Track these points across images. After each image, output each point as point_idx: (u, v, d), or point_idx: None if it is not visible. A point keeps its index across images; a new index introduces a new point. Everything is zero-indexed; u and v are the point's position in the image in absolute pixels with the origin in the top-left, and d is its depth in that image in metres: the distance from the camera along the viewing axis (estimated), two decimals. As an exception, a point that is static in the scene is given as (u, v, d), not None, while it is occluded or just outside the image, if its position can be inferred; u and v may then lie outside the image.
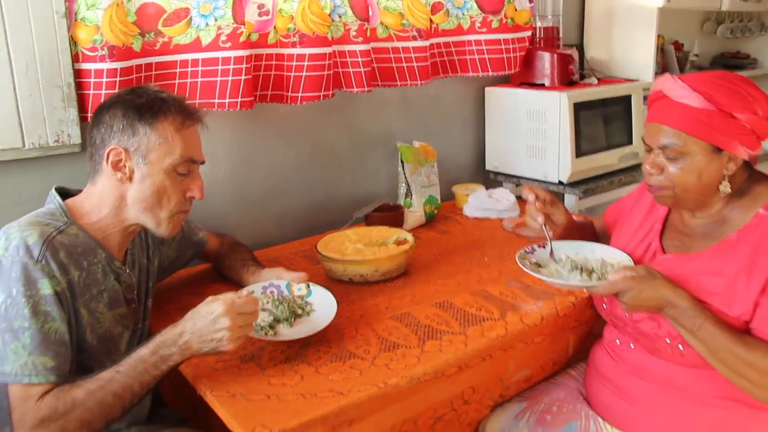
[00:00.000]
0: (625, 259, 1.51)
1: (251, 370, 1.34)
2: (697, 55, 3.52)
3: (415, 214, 2.22)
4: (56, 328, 1.23)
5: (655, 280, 1.32)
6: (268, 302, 1.50)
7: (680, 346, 1.34)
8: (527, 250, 1.59)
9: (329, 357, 1.38)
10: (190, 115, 1.41)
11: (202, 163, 1.45)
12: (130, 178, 1.36)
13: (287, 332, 1.44)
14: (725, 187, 1.35)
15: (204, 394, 1.29)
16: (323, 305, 1.51)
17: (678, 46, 3.43)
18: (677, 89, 1.34)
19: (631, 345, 1.47)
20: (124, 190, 1.37)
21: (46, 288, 1.23)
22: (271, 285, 1.56)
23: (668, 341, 1.36)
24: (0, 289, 1.22)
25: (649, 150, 1.40)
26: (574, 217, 1.70)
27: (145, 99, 1.37)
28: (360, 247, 1.80)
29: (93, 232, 1.37)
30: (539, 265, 1.55)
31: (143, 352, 1.24)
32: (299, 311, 1.50)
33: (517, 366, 1.57)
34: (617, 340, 1.51)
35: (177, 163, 1.37)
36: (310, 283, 1.57)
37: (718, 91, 1.30)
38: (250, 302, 1.30)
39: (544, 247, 1.59)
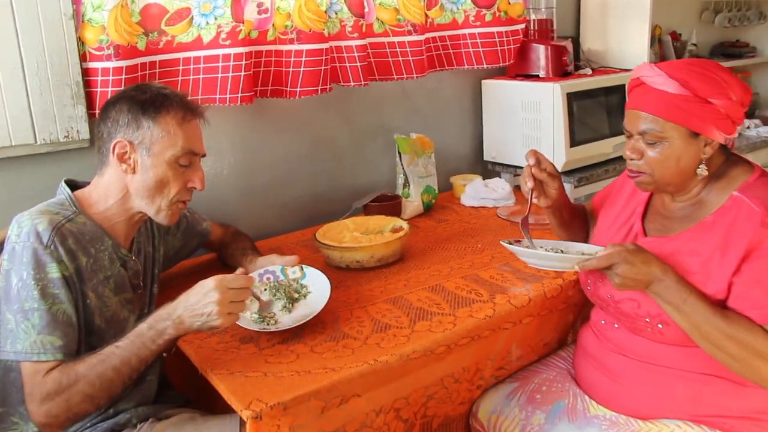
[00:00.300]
0: (599, 250, 1.53)
1: (250, 350, 1.42)
2: (695, 45, 3.54)
3: (413, 203, 2.30)
4: (64, 310, 1.31)
5: (644, 254, 1.35)
6: (265, 289, 1.57)
7: (659, 324, 1.40)
8: (507, 242, 1.61)
9: (324, 338, 1.45)
10: (191, 110, 1.48)
11: (203, 155, 1.52)
12: (134, 170, 1.43)
13: (287, 319, 1.51)
14: (702, 170, 1.40)
15: (205, 372, 1.36)
16: (318, 286, 1.58)
17: (675, 36, 3.46)
18: (654, 76, 1.38)
19: (615, 325, 1.52)
20: (128, 181, 1.44)
21: (54, 272, 1.31)
22: (267, 272, 1.63)
23: (648, 320, 1.41)
24: (13, 272, 1.31)
25: (630, 136, 1.45)
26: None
27: (149, 95, 1.44)
28: (357, 235, 1.88)
29: (100, 222, 1.45)
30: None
31: (141, 327, 1.32)
32: (296, 295, 1.57)
33: (507, 346, 1.63)
34: (602, 321, 1.57)
35: (179, 155, 1.44)
36: (303, 266, 1.64)
37: (693, 78, 1.35)
38: (240, 278, 1.36)
39: (518, 243, 1.62)
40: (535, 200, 1.62)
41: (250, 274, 1.62)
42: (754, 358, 1.28)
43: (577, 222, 1.76)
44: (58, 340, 1.29)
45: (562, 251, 1.56)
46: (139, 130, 1.42)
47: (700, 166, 1.40)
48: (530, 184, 1.60)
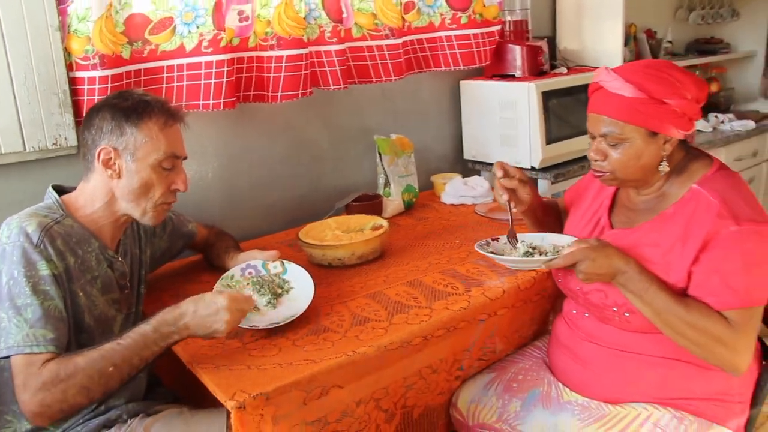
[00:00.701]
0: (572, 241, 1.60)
1: (234, 345, 1.48)
2: (671, 42, 3.62)
3: (394, 202, 2.36)
4: (55, 305, 1.36)
5: (606, 249, 1.42)
6: (247, 284, 1.63)
7: (626, 313, 1.46)
8: (482, 243, 1.67)
9: (305, 332, 1.51)
10: (172, 115, 1.53)
11: (185, 158, 1.58)
12: (120, 175, 1.48)
13: (274, 314, 1.56)
14: (664, 167, 1.47)
15: (192, 367, 1.42)
16: (300, 281, 1.64)
17: (651, 33, 3.54)
18: (612, 81, 1.44)
19: (585, 314, 1.59)
20: (114, 186, 1.50)
21: (44, 269, 1.36)
22: (248, 266, 1.68)
23: (615, 309, 1.48)
24: (3, 272, 1.36)
25: (593, 138, 1.51)
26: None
27: (131, 102, 1.49)
28: (338, 234, 1.94)
29: (87, 224, 1.50)
30: (495, 254, 1.64)
31: (145, 328, 1.36)
32: (279, 290, 1.63)
33: (484, 337, 1.70)
34: (574, 311, 1.63)
35: (162, 159, 1.49)
36: (284, 261, 1.70)
37: (648, 80, 1.41)
38: (249, 300, 1.46)
39: (497, 240, 1.69)
40: (514, 209, 1.70)
41: (232, 270, 1.68)
42: (712, 343, 1.35)
43: (550, 219, 1.83)
44: (50, 333, 1.33)
45: (534, 248, 1.62)
46: (122, 137, 1.47)
47: (662, 163, 1.46)
48: (506, 197, 1.67)
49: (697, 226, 1.40)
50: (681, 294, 1.41)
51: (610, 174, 1.50)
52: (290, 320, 1.52)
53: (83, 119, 1.54)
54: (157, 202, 1.52)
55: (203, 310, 1.37)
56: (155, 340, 1.36)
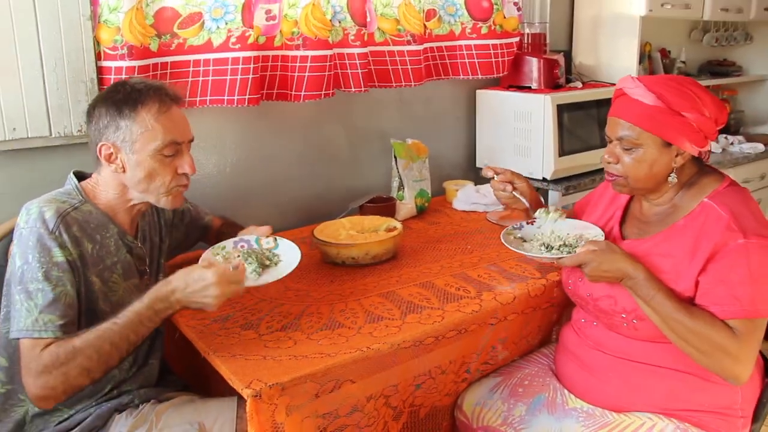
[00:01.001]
0: (598, 234, 1.64)
1: (250, 336, 1.50)
2: (684, 62, 3.65)
3: (407, 206, 2.39)
4: (66, 292, 1.38)
5: (614, 254, 1.46)
6: (238, 256, 1.61)
7: (635, 320, 1.49)
8: (515, 225, 1.74)
9: (320, 326, 1.54)
10: (165, 101, 1.49)
11: (191, 140, 1.56)
12: (124, 169, 1.49)
13: (252, 280, 1.55)
14: (673, 179, 1.51)
15: (208, 355, 1.45)
16: (289, 255, 1.64)
17: (665, 53, 3.57)
18: (635, 88, 1.49)
19: (594, 323, 1.62)
20: (122, 178, 1.51)
21: (58, 256, 1.38)
22: (242, 240, 1.69)
23: (624, 316, 1.51)
24: (18, 256, 1.38)
25: (610, 141, 1.56)
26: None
27: (122, 94, 1.47)
28: (353, 233, 1.97)
29: (105, 210, 1.52)
30: (524, 240, 1.70)
31: (138, 306, 1.38)
32: (267, 262, 1.62)
33: (492, 341, 1.73)
34: (582, 319, 1.66)
35: (161, 148, 1.48)
36: (278, 237, 1.70)
37: (669, 92, 1.45)
38: (239, 273, 1.43)
39: (532, 224, 1.75)
40: (520, 197, 1.79)
41: (225, 242, 1.68)
42: (716, 351, 1.37)
43: None
44: (58, 320, 1.36)
45: (547, 245, 1.66)
46: (119, 131, 1.46)
47: (671, 174, 1.50)
48: (509, 188, 1.78)
49: (706, 238, 1.43)
50: (689, 302, 1.44)
51: (622, 179, 1.54)
52: (266, 282, 1.52)
53: (86, 115, 1.54)
54: (168, 187, 1.52)
55: (193, 286, 1.37)
56: (149, 316, 1.38)
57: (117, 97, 1.47)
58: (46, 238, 1.38)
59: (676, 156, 1.48)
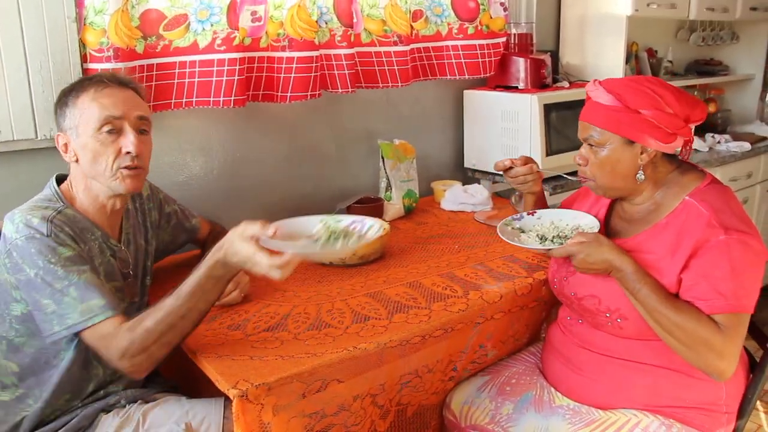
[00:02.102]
0: (593, 224, 1.65)
1: (237, 337, 1.51)
2: (671, 62, 3.67)
3: (395, 206, 2.40)
4: (89, 276, 1.39)
5: (601, 246, 1.47)
6: (330, 236, 1.64)
7: (618, 319, 1.50)
8: (515, 216, 1.77)
9: (307, 326, 1.55)
10: (101, 82, 1.51)
11: (140, 119, 1.53)
12: (77, 157, 1.51)
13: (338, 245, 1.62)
14: (641, 176, 1.53)
15: (194, 356, 1.45)
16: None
17: (652, 52, 3.59)
18: (595, 90, 1.54)
19: (579, 321, 1.63)
20: (80, 170, 1.52)
21: (65, 252, 1.39)
22: (355, 221, 1.75)
23: (608, 315, 1.52)
24: (27, 266, 1.37)
25: (582, 144, 1.59)
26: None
27: (71, 85, 1.53)
28: (340, 234, 1.98)
29: (84, 213, 1.52)
30: (522, 230, 1.73)
31: (197, 278, 1.37)
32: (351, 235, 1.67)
33: (479, 340, 1.73)
34: (568, 317, 1.67)
35: (99, 125, 1.47)
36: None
37: (626, 92, 1.49)
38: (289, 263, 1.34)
39: (533, 215, 1.77)
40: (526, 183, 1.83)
41: (342, 216, 1.72)
42: (701, 346, 1.39)
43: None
44: (100, 300, 1.37)
45: (542, 236, 1.69)
46: (65, 119, 1.50)
47: (639, 172, 1.53)
48: (535, 167, 1.83)
49: (687, 235, 1.45)
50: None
51: (593, 181, 1.57)
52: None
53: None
54: (113, 168, 1.49)
55: (244, 265, 1.34)
56: (213, 284, 1.38)
57: (65, 91, 1.52)
58: (46, 242, 1.38)
59: (641, 153, 1.51)
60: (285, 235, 1.53)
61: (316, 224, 1.68)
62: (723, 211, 1.44)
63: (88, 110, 1.48)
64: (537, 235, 1.69)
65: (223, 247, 1.35)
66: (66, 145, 1.51)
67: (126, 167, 1.50)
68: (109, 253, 1.54)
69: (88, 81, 1.52)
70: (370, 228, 1.73)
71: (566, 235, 1.65)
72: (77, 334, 1.39)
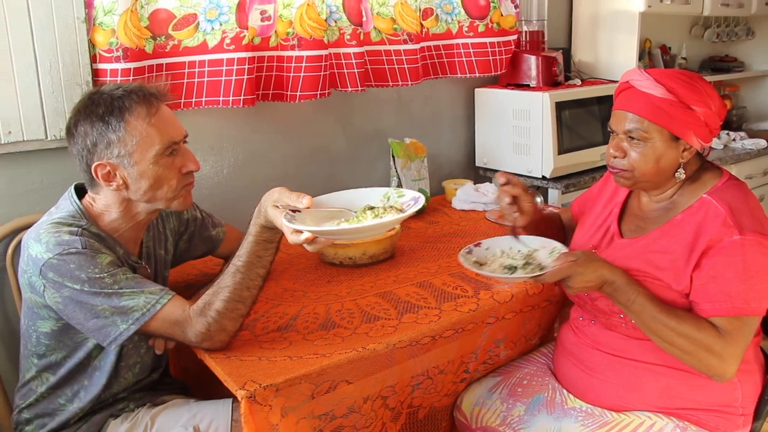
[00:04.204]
0: (561, 248, 1.59)
1: (245, 337, 1.50)
2: (684, 59, 3.63)
3: (406, 205, 2.38)
4: (132, 275, 1.39)
5: (594, 262, 1.44)
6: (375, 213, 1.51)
7: (632, 320, 1.49)
8: (466, 249, 1.63)
9: (316, 326, 1.54)
10: (150, 102, 1.41)
11: (186, 136, 1.50)
12: (126, 185, 1.42)
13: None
14: (680, 174, 1.49)
15: (203, 356, 1.44)
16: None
17: (665, 49, 3.55)
18: (643, 80, 1.47)
19: (592, 321, 1.61)
20: (125, 195, 1.44)
21: (104, 258, 1.37)
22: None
23: (622, 316, 1.50)
24: (70, 282, 1.33)
25: (615, 135, 1.53)
26: (544, 208, 1.83)
27: (104, 106, 1.38)
28: (350, 233, 1.97)
29: (109, 231, 1.47)
30: (480, 263, 1.61)
31: (249, 246, 1.41)
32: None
33: (491, 340, 1.72)
34: (581, 318, 1.65)
35: (161, 152, 1.41)
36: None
37: (678, 85, 1.44)
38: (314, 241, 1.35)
39: (479, 246, 1.66)
40: (515, 214, 1.66)
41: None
42: (701, 351, 1.37)
43: (553, 231, 1.84)
44: (155, 287, 1.38)
45: (513, 266, 1.58)
46: (111, 147, 1.38)
47: (679, 170, 1.49)
48: (507, 199, 1.64)
49: (703, 233, 1.42)
50: (687, 301, 1.43)
51: (628, 172, 1.51)
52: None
53: (66, 134, 1.46)
54: (176, 189, 1.46)
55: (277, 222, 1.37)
56: (264, 247, 1.41)
57: (99, 111, 1.38)
58: (83, 254, 1.35)
59: (683, 151, 1.47)
60: (329, 207, 1.49)
61: (378, 196, 1.54)
62: (740, 210, 1.41)
63: (147, 136, 1.39)
64: (503, 266, 1.58)
65: (261, 213, 1.40)
66: (109, 174, 1.40)
67: (188, 184, 1.50)
68: (130, 270, 1.48)
69: (131, 100, 1.39)
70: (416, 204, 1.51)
71: (536, 259, 1.57)
72: (137, 331, 1.37)
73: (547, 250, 1.60)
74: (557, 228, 1.88)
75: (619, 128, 1.51)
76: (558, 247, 1.60)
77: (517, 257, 1.60)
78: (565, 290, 1.68)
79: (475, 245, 1.66)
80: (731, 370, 1.38)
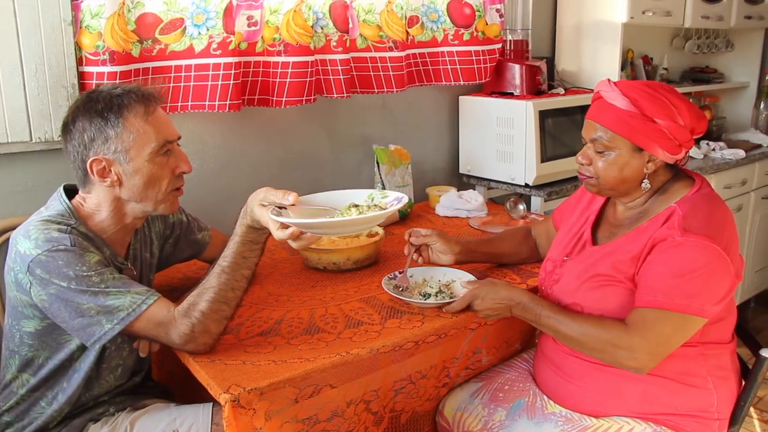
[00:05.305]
0: (469, 277, 1.73)
1: (230, 341, 1.50)
2: (666, 69, 3.69)
3: (390, 211, 2.39)
4: (120, 276, 1.39)
5: (495, 286, 1.57)
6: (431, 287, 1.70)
7: (548, 333, 1.55)
8: (390, 276, 1.78)
9: (300, 331, 1.55)
10: (149, 102, 1.44)
11: (179, 138, 1.52)
12: (120, 181, 1.43)
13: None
14: (646, 185, 1.53)
15: (186, 360, 1.44)
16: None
17: (647, 60, 3.61)
18: (610, 92, 1.51)
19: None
20: (117, 192, 1.45)
21: (93, 257, 1.37)
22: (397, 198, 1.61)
23: None
24: (57, 279, 1.33)
25: (585, 143, 1.58)
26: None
27: (103, 103, 1.41)
28: (334, 239, 1.98)
29: (97, 232, 1.47)
30: (401, 289, 1.73)
31: (234, 247, 1.43)
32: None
33: (473, 346, 1.73)
34: (558, 325, 1.68)
35: (156, 150, 1.43)
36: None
37: (642, 97, 1.47)
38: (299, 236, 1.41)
39: (402, 273, 1.77)
40: (420, 260, 1.82)
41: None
42: (609, 347, 1.42)
43: (500, 250, 1.93)
44: (141, 288, 1.38)
45: (424, 294, 1.70)
46: (108, 142, 1.40)
47: (644, 180, 1.53)
48: (406, 249, 1.82)
49: (655, 235, 1.45)
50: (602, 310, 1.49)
51: (594, 179, 1.56)
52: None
53: (61, 131, 1.48)
54: (166, 190, 1.48)
55: (263, 221, 1.41)
56: (249, 248, 1.44)
57: (98, 107, 1.40)
58: (72, 252, 1.35)
59: (648, 162, 1.50)
60: (315, 206, 1.55)
61: (363, 197, 1.61)
62: (695, 215, 1.43)
63: (144, 133, 1.41)
64: (420, 293, 1.70)
65: (247, 213, 1.42)
66: (104, 169, 1.42)
67: (177, 188, 1.53)
68: (116, 271, 1.48)
69: (130, 98, 1.42)
70: (398, 204, 1.58)
71: (452, 291, 1.71)
72: (121, 332, 1.36)
73: (464, 281, 1.71)
74: (513, 245, 1.95)
75: (587, 136, 1.56)
76: (473, 279, 1.73)
77: (434, 286, 1.72)
78: (541, 295, 1.71)
79: (400, 272, 1.79)
80: (646, 361, 1.40)
